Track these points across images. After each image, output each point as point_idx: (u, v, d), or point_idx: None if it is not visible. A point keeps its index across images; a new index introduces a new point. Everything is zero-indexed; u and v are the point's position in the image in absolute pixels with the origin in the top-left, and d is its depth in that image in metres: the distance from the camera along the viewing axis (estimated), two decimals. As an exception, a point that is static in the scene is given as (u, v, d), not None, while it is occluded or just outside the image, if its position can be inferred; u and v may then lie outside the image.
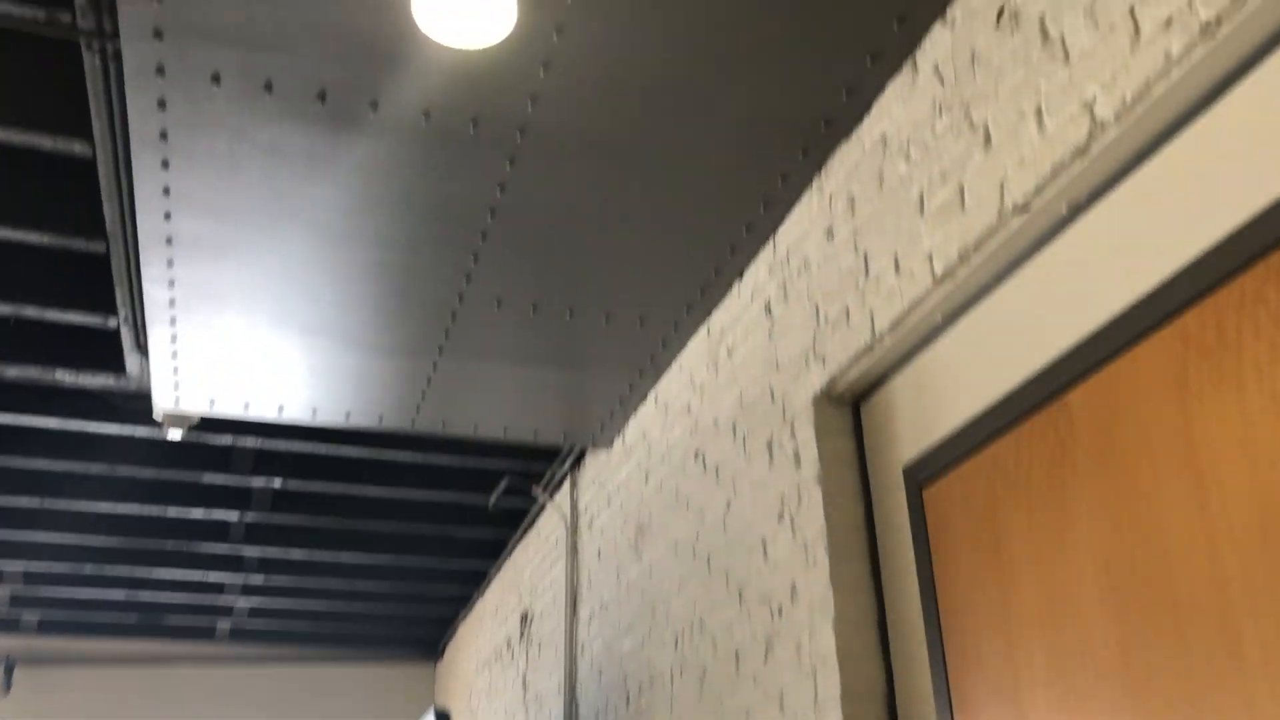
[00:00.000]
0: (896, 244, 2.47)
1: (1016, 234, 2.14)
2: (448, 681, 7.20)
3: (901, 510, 2.53)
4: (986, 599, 2.20)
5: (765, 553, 2.90)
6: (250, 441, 4.47)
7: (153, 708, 7.38)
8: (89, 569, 5.73)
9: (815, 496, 2.68)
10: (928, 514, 2.41)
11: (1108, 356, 1.94)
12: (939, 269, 2.30)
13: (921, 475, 2.44)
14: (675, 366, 3.72)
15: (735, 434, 3.18)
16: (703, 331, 3.51)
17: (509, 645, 5.59)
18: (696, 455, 3.45)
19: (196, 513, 5.08)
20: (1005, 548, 2.16)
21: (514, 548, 5.67)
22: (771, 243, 3.08)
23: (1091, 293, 2.00)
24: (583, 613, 4.44)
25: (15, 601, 6.24)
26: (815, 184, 2.86)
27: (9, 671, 7.25)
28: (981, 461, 2.26)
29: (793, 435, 2.83)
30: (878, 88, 2.58)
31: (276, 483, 4.86)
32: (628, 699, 3.80)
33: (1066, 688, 1.96)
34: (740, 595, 3.01)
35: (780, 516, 2.84)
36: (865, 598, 2.56)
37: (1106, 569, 1.90)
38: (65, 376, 3.87)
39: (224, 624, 6.88)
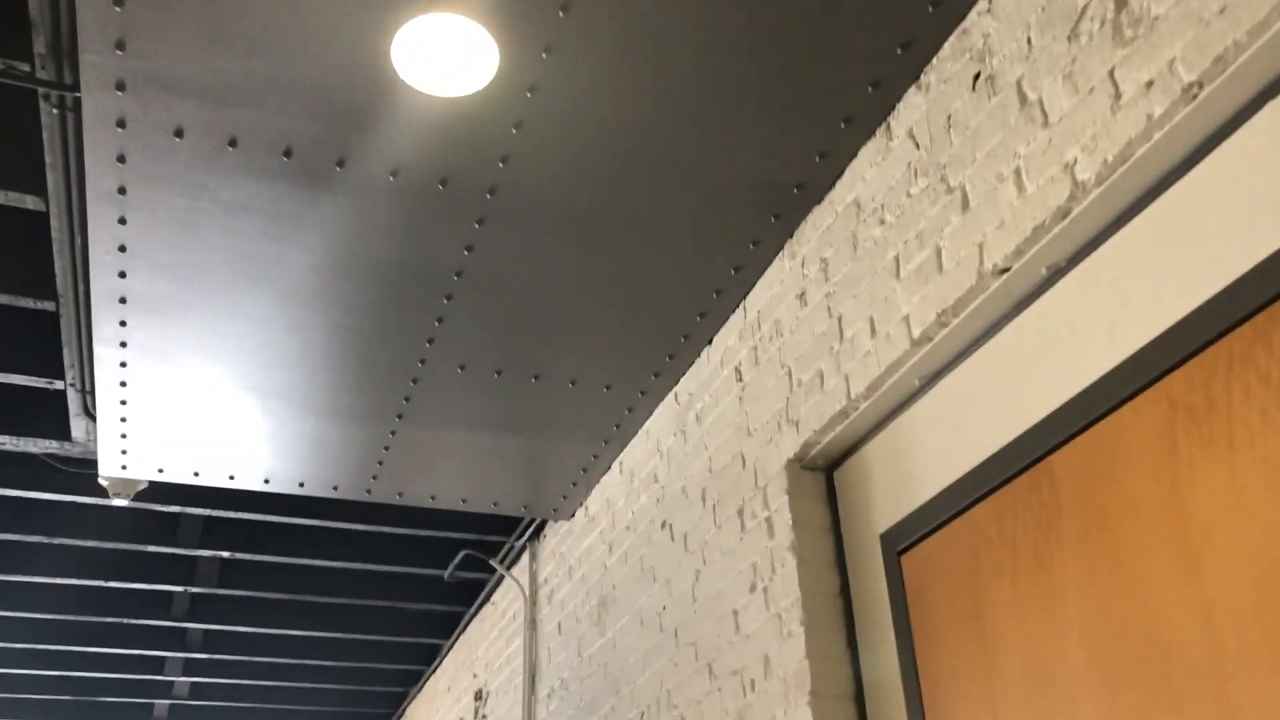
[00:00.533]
0: (872, 307, 2.44)
1: (996, 296, 2.12)
2: (396, 763, 6.95)
3: (879, 578, 2.47)
4: (970, 668, 2.14)
5: (737, 624, 2.82)
6: (198, 510, 4.32)
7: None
8: (19, 646, 5.48)
9: (789, 565, 2.61)
10: (907, 582, 2.35)
11: (1092, 420, 1.91)
12: (916, 332, 2.27)
13: (900, 542, 2.39)
14: (641, 434, 3.66)
15: (705, 502, 3.11)
16: (670, 398, 3.45)
17: (462, 724, 5.40)
18: (664, 524, 3.37)
19: (138, 585, 4.89)
20: (989, 615, 2.11)
21: (469, 622, 5.52)
22: (742, 308, 3.05)
23: (1074, 355, 1.98)
24: (541, 690, 4.30)
25: (-59, 680, 5.96)
26: (787, 248, 2.84)
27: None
28: (962, 527, 2.21)
29: (765, 503, 2.78)
30: (850, 152, 2.58)
31: (224, 554, 4.70)
32: (589, 779, 3.66)
33: (1056, 762, 1.90)
34: (710, 669, 2.92)
35: (752, 587, 2.77)
36: (843, 669, 2.49)
37: (1095, 636, 1.85)
38: (6, 441, 3.73)
39: (162, 704, 6.61)
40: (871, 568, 2.51)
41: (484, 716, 4.99)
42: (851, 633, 2.54)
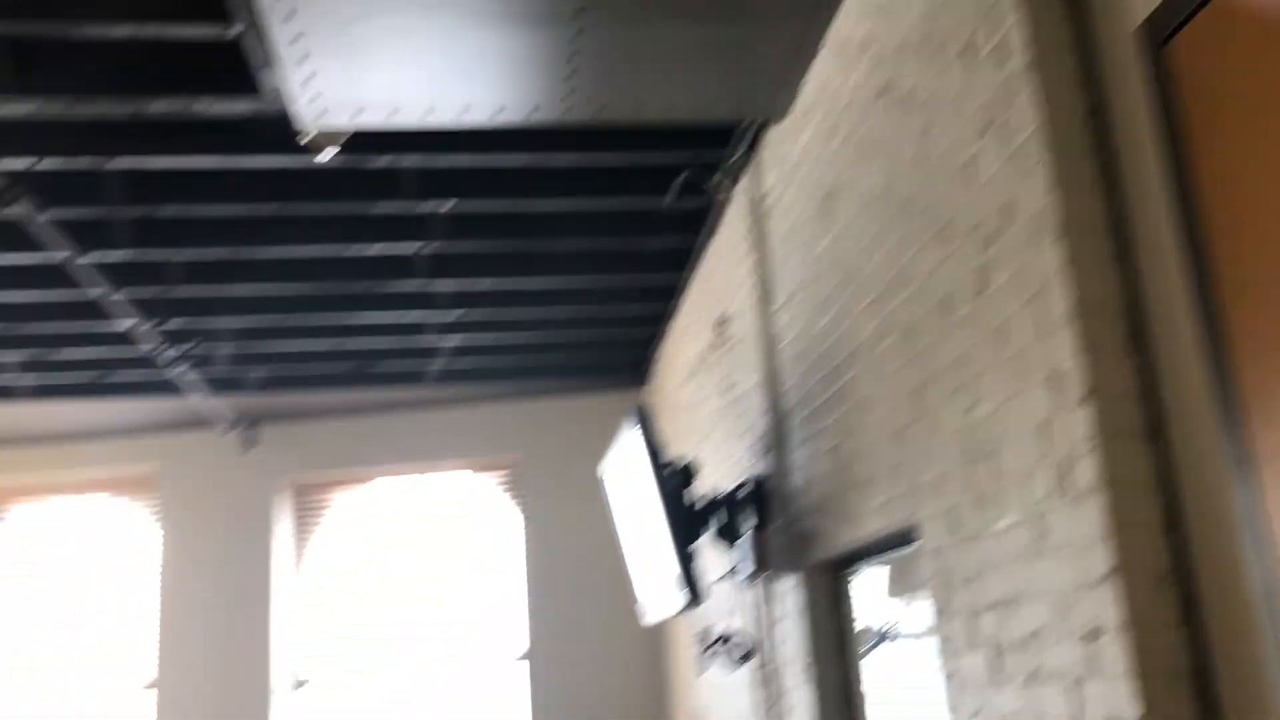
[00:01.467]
0: None
1: None
2: (655, 402, 7.16)
3: (1136, 85, 2.02)
4: (1263, 169, 1.71)
5: (971, 175, 2.46)
6: (410, 160, 4.25)
7: (387, 455, 7.69)
8: (293, 320, 5.79)
9: (1027, 91, 2.20)
10: (1175, 79, 1.90)
11: None
12: None
13: (1161, 32, 1.92)
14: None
15: (926, 49, 2.68)
16: (876, -58, 2.96)
17: (709, 352, 5.39)
18: (883, 90, 2.97)
19: (376, 248, 4.98)
20: (1286, 86, 1.66)
21: (701, 254, 5.38)
22: None
23: None
24: (776, 302, 4.13)
25: (238, 359, 6.47)
26: None
27: (250, 428, 7.68)
28: (1248, -15, 1.72)
29: (996, 26, 2.33)
30: None
31: (448, 205, 4.66)
32: (830, 378, 3.50)
33: (1381, 245, 1.50)
34: (945, 232, 2.60)
35: (985, 129, 2.38)
36: (1095, 200, 2.11)
37: None
38: (206, 106, 3.70)
39: (433, 366, 6.97)
40: (1127, 75, 2.06)
41: (729, 337, 4.92)
42: (1106, 161, 2.14)
